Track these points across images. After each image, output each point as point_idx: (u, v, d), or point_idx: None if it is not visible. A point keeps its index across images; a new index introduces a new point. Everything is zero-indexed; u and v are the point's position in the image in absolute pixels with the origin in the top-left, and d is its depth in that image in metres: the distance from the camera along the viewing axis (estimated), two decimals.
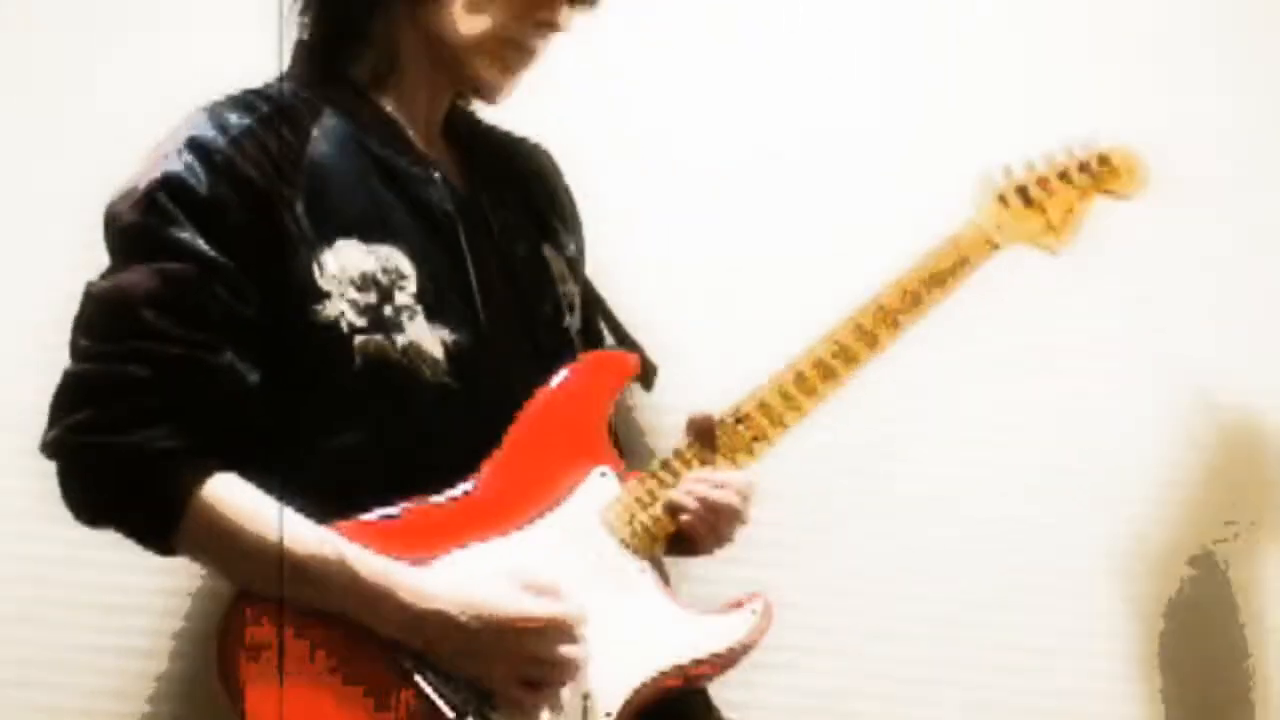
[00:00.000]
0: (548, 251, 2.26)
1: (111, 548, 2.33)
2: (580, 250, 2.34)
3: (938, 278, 2.21)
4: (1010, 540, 2.64)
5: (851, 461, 2.56)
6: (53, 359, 2.34)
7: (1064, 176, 2.31)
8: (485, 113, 2.32)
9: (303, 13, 2.17)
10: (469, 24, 2.10)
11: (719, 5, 2.70)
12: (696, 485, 2.10)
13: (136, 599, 2.46)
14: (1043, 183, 2.30)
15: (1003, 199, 2.28)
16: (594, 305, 2.29)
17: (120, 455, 1.93)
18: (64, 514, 2.36)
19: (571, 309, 2.27)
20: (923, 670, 2.61)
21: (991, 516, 2.63)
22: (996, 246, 2.25)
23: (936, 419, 2.62)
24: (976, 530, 2.62)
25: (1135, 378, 2.68)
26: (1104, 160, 2.32)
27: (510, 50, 2.14)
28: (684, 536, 2.11)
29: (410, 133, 2.16)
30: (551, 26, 2.14)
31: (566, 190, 2.37)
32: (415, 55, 2.14)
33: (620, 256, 2.47)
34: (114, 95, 2.52)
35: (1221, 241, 2.69)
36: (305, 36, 2.17)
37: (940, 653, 2.61)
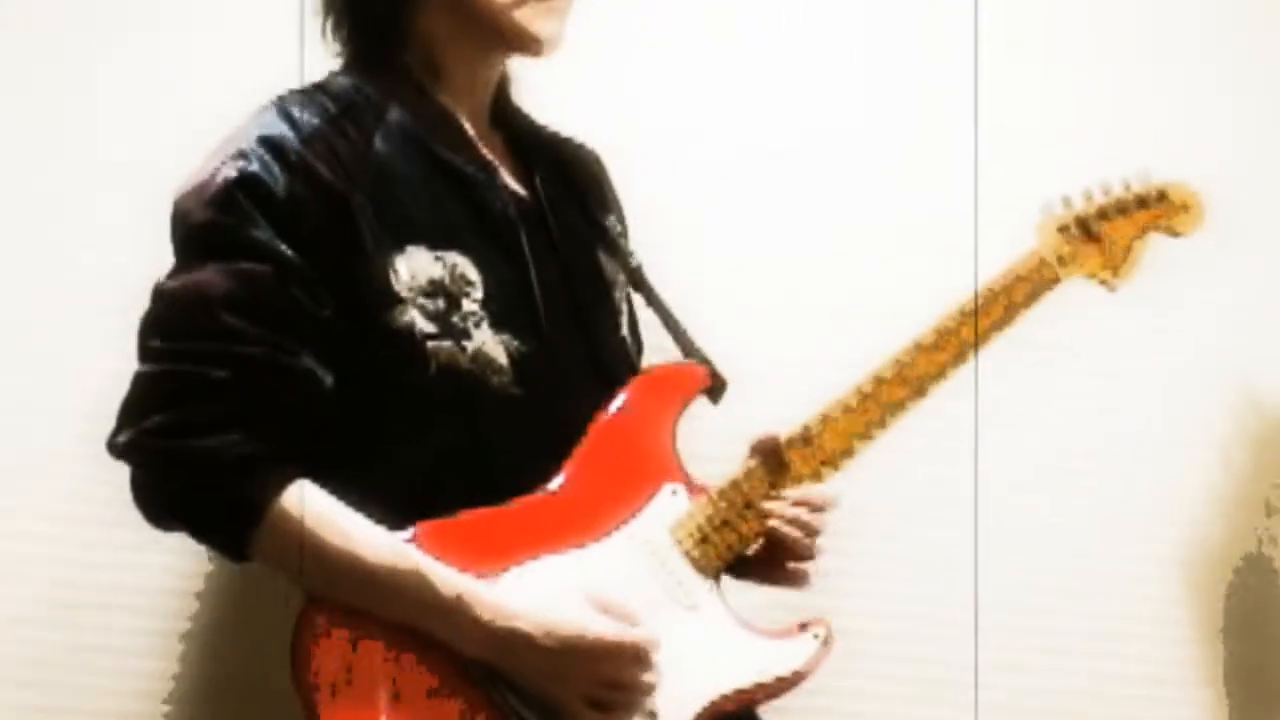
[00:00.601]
0: (603, 258, 2.25)
1: (112, 548, 2.37)
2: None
3: (1008, 311, 2.21)
4: (1022, 540, 2.68)
5: (883, 466, 2.53)
6: (53, 358, 2.32)
7: (1123, 210, 2.31)
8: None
9: (327, 14, 2.15)
10: None
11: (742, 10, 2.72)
12: (791, 509, 2.10)
13: (137, 599, 2.44)
14: (1102, 215, 2.30)
15: (1064, 230, 2.29)
16: (658, 315, 2.27)
17: (199, 460, 1.89)
18: (63, 515, 2.40)
19: (623, 317, 2.26)
20: (923, 669, 2.62)
21: (1006, 514, 2.65)
22: (1058, 280, 2.26)
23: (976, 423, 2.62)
24: (989, 532, 2.62)
25: (1183, 382, 2.72)
26: (1162, 196, 2.32)
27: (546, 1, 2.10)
28: (762, 561, 2.13)
29: (470, 130, 2.14)
30: None
31: (616, 194, 2.36)
32: (452, 37, 2.11)
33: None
34: (114, 95, 2.51)
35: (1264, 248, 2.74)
36: (342, 33, 2.15)
37: (942, 653, 2.61)
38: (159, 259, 2.01)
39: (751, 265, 2.64)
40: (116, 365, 1.97)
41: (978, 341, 2.20)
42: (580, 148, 2.34)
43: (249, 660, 2.35)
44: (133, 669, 2.43)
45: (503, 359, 2.02)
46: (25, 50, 2.50)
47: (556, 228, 2.16)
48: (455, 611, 1.91)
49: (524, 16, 2.09)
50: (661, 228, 2.45)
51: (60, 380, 2.32)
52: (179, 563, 2.36)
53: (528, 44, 2.12)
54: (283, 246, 1.93)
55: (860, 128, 2.71)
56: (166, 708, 2.42)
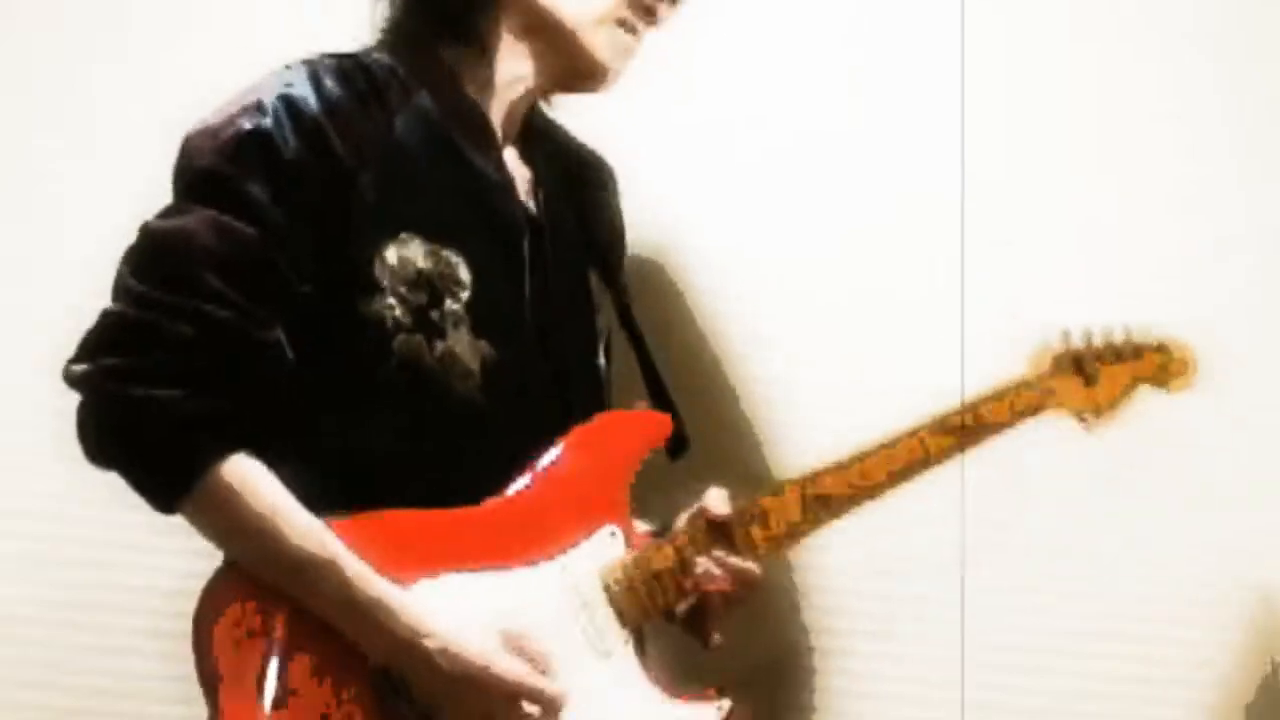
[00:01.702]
0: (593, 282, 2.25)
1: (111, 549, 2.43)
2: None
3: (985, 430, 2.24)
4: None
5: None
6: (53, 358, 2.32)
7: (1119, 356, 2.33)
8: None
9: None
10: (589, 2, 2.10)
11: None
12: (714, 568, 2.10)
13: (136, 599, 2.49)
14: (1097, 357, 2.32)
15: (1057, 361, 2.31)
16: (639, 358, 2.26)
17: (148, 410, 1.88)
18: (63, 515, 2.45)
19: (600, 343, 2.26)
20: (927, 670, 2.62)
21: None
22: (1041, 408, 2.28)
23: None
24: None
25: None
26: (1161, 349, 2.34)
27: (624, 32, 2.12)
28: (690, 617, 2.13)
29: (497, 134, 2.13)
30: (651, 15, 2.14)
31: (623, 218, 2.35)
32: (511, 46, 2.12)
33: None
34: (114, 94, 2.58)
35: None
36: (396, 11, 2.14)
37: (942, 653, 2.61)
38: None
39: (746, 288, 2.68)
40: None
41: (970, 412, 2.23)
42: (598, 165, 2.33)
43: None
44: (133, 669, 2.47)
45: (474, 364, 2.01)
46: (25, 49, 2.58)
47: (555, 243, 2.15)
48: (364, 613, 1.89)
49: (600, 40, 2.11)
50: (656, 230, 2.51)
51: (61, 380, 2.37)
52: (179, 563, 2.27)
53: (593, 69, 2.12)
54: (277, 210, 1.93)
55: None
56: (166, 708, 2.44)
